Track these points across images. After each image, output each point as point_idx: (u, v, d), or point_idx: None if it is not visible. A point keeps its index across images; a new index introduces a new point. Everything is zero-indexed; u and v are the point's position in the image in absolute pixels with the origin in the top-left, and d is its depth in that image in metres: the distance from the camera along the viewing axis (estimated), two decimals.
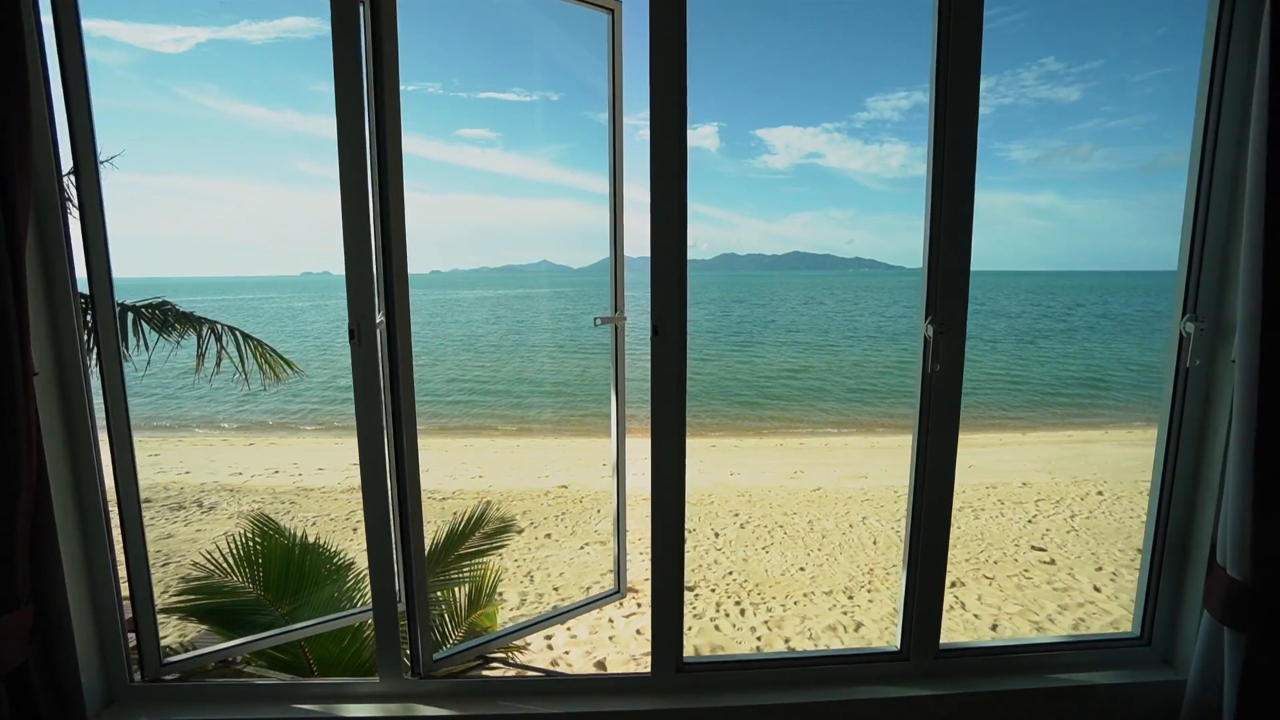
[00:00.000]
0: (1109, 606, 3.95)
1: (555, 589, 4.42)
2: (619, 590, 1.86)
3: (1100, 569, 4.64)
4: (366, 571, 1.43)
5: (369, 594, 1.55)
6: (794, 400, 15.52)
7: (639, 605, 4.10)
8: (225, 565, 1.82)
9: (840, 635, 3.58)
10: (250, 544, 1.88)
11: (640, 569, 4.72)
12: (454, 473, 8.62)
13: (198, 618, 1.76)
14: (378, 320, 1.27)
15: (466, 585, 2.27)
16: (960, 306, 1.14)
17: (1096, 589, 4.25)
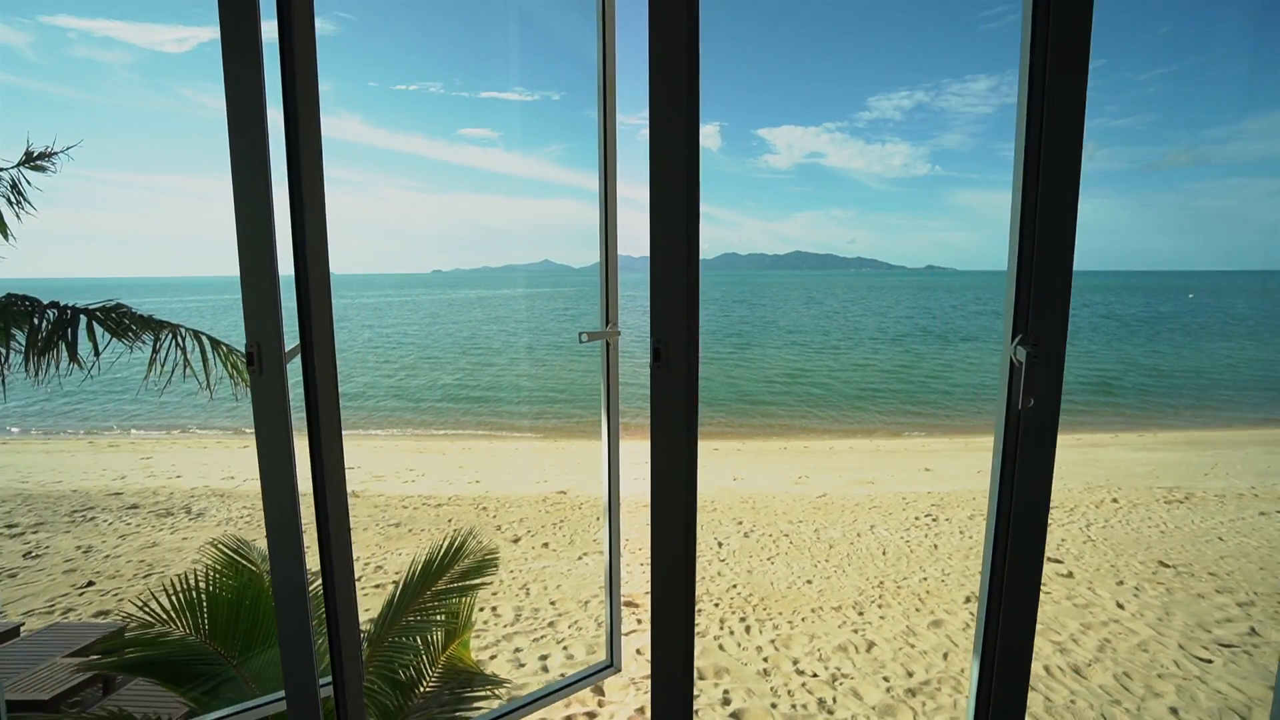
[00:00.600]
0: (1135, 625, 3.75)
1: (552, 603, 4.22)
2: (612, 663, 1.65)
3: (1121, 583, 4.44)
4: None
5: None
6: (797, 403, 15.32)
7: (639, 621, 3.91)
8: (164, 614, 1.62)
9: (851, 657, 3.38)
10: (192, 589, 1.67)
11: (641, 579, 4.52)
12: (450, 477, 8.44)
13: (133, 671, 1.57)
14: (296, 342, 1.04)
15: (441, 626, 2.06)
16: (1060, 325, 0.90)
17: (1120, 605, 4.05)
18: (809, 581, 4.55)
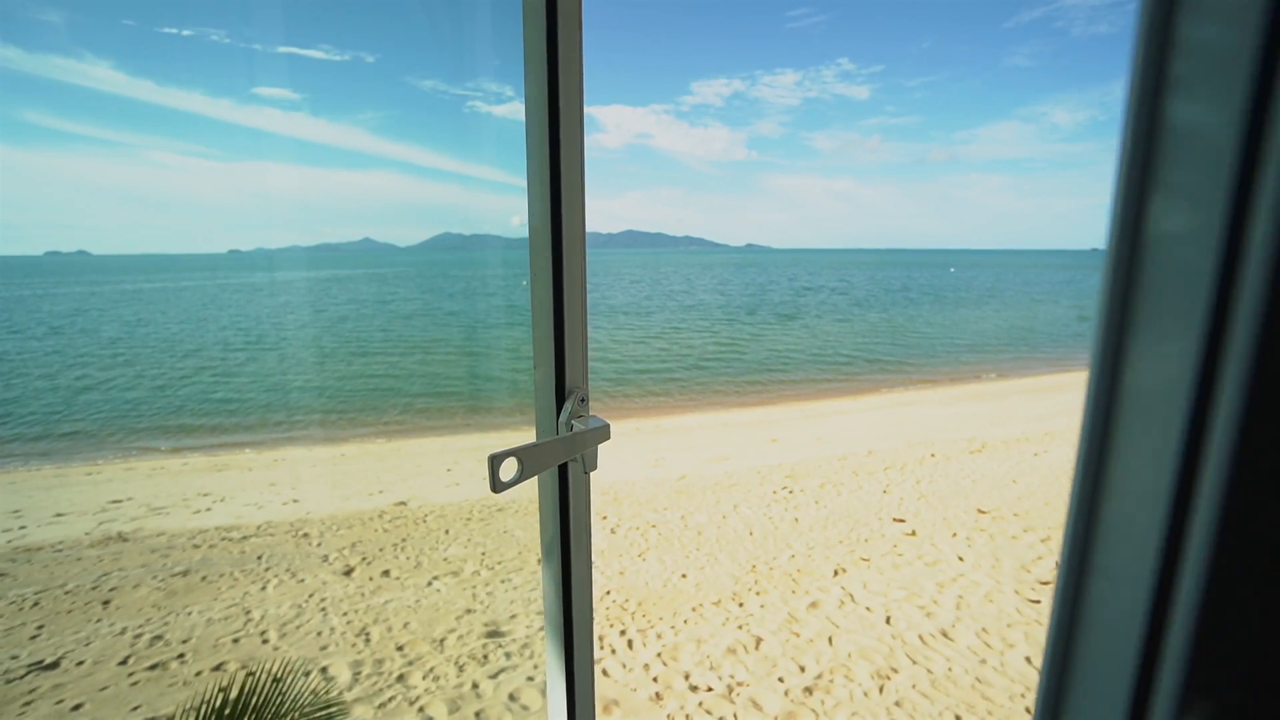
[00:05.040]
0: (978, 578, 4.05)
1: (400, 648, 3.54)
2: None
3: (955, 535, 4.85)
4: None
5: None
6: (641, 380, 15.44)
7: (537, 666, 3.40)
8: None
9: (742, 659, 3.21)
10: None
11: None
12: (259, 498, 7.08)
13: None
14: None
15: None
16: None
17: (960, 559, 4.38)
18: (684, 575, 4.35)
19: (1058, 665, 0.29)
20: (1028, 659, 3.12)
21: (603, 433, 0.83)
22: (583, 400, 0.84)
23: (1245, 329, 0.24)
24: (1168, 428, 0.26)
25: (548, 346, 0.79)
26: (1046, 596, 3.80)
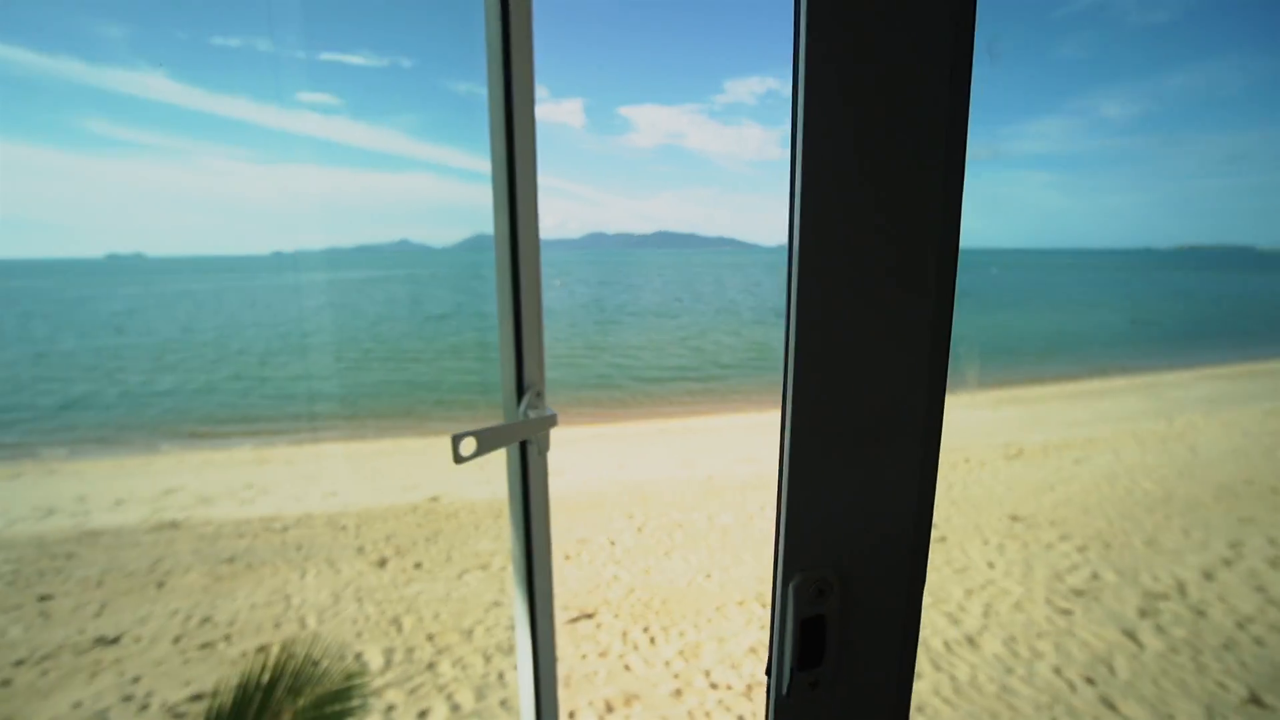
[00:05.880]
0: (1007, 584, 3.99)
1: (430, 637, 3.67)
2: None
3: (987, 542, 4.77)
4: None
5: None
6: (671, 381, 15.48)
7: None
8: None
9: (763, 657, 3.23)
10: None
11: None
12: (300, 491, 7.38)
13: None
14: None
15: None
16: None
17: (990, 565, 4.31)
18: (708, 575, 4.39)
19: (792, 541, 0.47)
20: (1056, 670, 3.07)
21: (551, 420, 1.03)
22: (538, 395, 1.04)
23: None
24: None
25: (510, 349, 0.92)
26: (1080, 606, 3.72)
